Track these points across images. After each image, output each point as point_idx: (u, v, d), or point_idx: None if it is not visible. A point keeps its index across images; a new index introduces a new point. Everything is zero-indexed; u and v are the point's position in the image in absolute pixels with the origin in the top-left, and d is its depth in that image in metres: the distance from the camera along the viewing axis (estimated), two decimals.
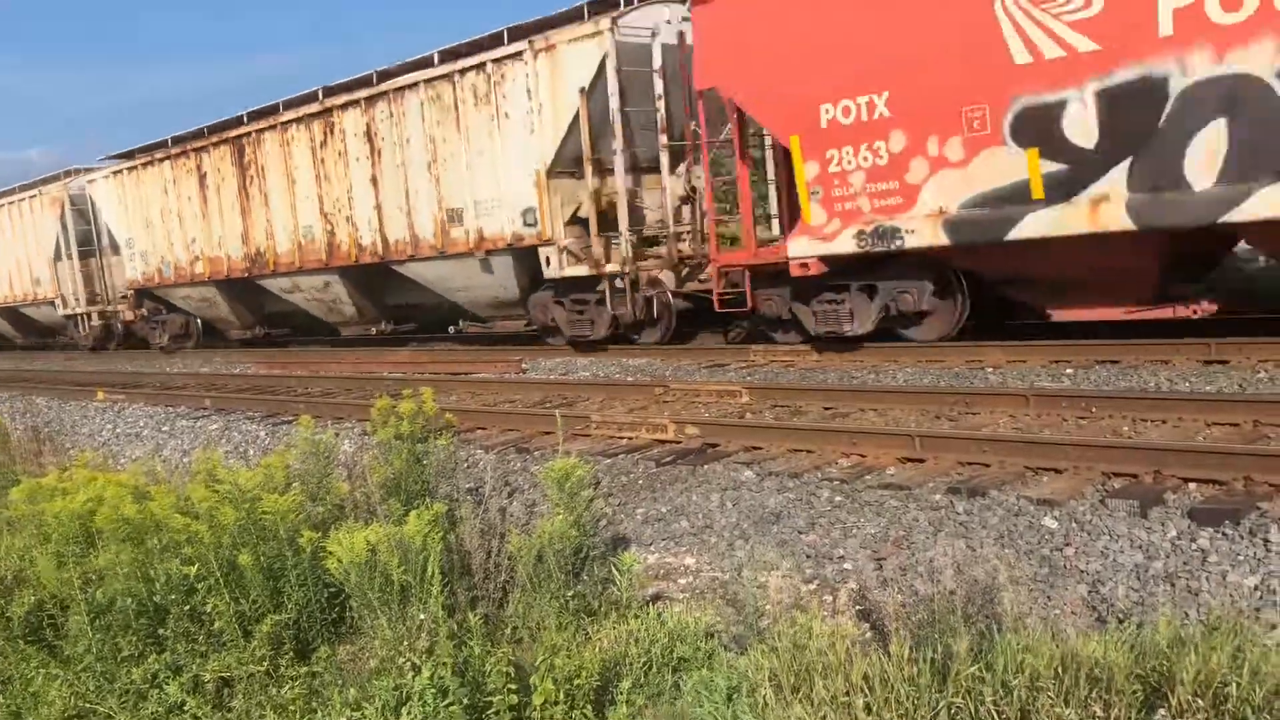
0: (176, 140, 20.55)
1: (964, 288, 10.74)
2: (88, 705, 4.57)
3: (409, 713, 3.93)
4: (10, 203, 26.59)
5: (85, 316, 25.12)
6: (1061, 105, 9.16)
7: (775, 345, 11.91)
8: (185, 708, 4.35)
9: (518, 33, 14.15)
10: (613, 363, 13.00)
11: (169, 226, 20.70)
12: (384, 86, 15.67)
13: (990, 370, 9.62)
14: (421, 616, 4.53)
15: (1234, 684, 3.31)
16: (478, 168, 14.43)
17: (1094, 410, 7.38)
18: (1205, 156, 8.50)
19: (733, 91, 11.58)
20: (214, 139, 19.09)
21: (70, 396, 15.78)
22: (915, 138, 10.09)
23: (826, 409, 8.60)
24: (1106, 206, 9.03)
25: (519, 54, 13.66)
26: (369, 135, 15.95)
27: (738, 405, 9.15)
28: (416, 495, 6.19)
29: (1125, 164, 8.92)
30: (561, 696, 4.01)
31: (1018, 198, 9.53)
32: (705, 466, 7.23)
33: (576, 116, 13.17)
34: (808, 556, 5.61)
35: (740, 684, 3.97)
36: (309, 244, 17.52)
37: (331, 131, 16.63)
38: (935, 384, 9.16)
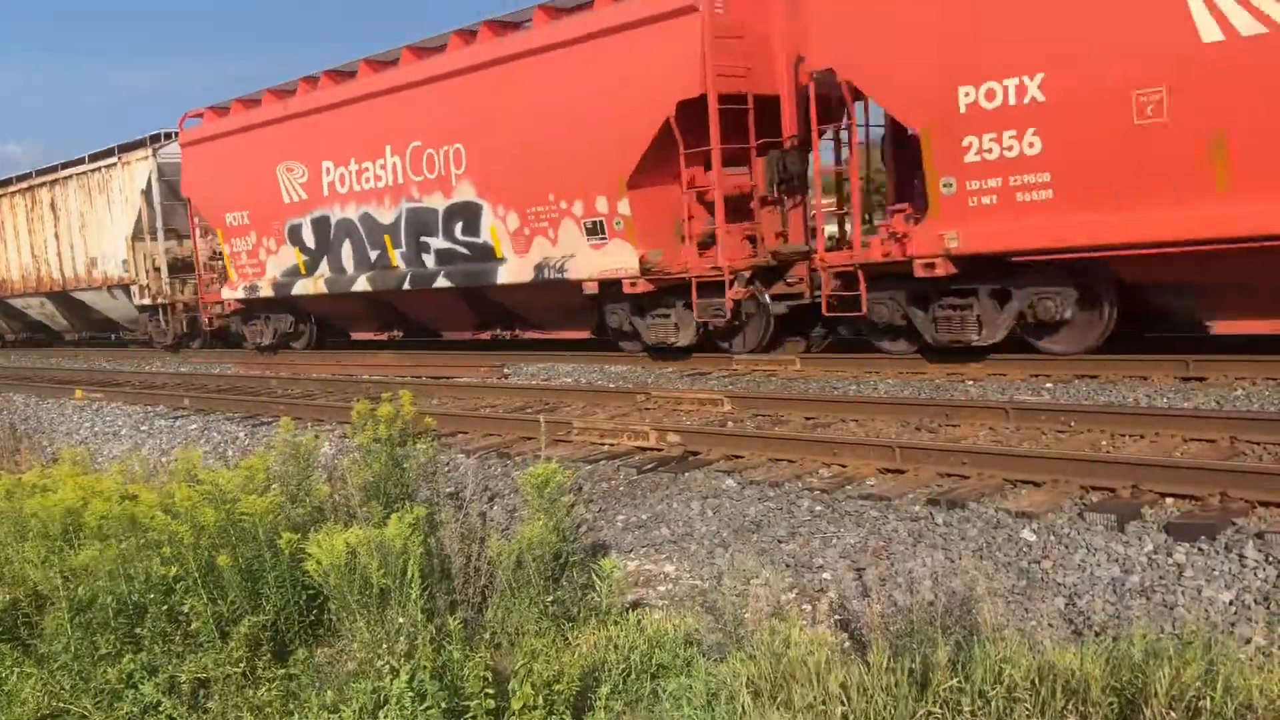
0: None
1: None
2: (62, 705, 4.53)
3: (386, 716, 3.92)
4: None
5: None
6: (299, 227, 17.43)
7: (757, 355, 11.94)
8: (160, 708, 4.32)
9: (125, 148, 21.80)
10: (595, 369, 13.00)
11: None
12: (61, 174, 23.72)
13: (970, 383, 9.68)
14: (400, 620, 4.51)
15: (1207, 698, 3.34)
16: (104, 231, 22.45)
17: (1073, 424, 7.44)
18: (348, 256, 16.58)
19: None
20: None
21: (48, 394, 15.65)
22: None
23: (808, 419, 8.63)
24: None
25: (114, 164, 22.00)
26: (53, 206, 24.22)
27: (719, 414, 9.17)
28: (397, 499, 6.17)
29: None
30: (540, 701, 4.00)
31: None
32: (686, 474, 7.24)
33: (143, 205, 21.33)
34: (788, 565, 5.62)
35: (719, 691, 3.98)
36: (30, 276, 25.51)
37: (35, 201, 24.96)
38: (916, 395, 9.21)
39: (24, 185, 25.04)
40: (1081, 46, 8.96)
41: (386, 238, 15.90)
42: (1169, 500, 5.62)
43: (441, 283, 15.07)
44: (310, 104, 16.76)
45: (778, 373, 11.24)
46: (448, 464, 8.32)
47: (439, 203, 14.90)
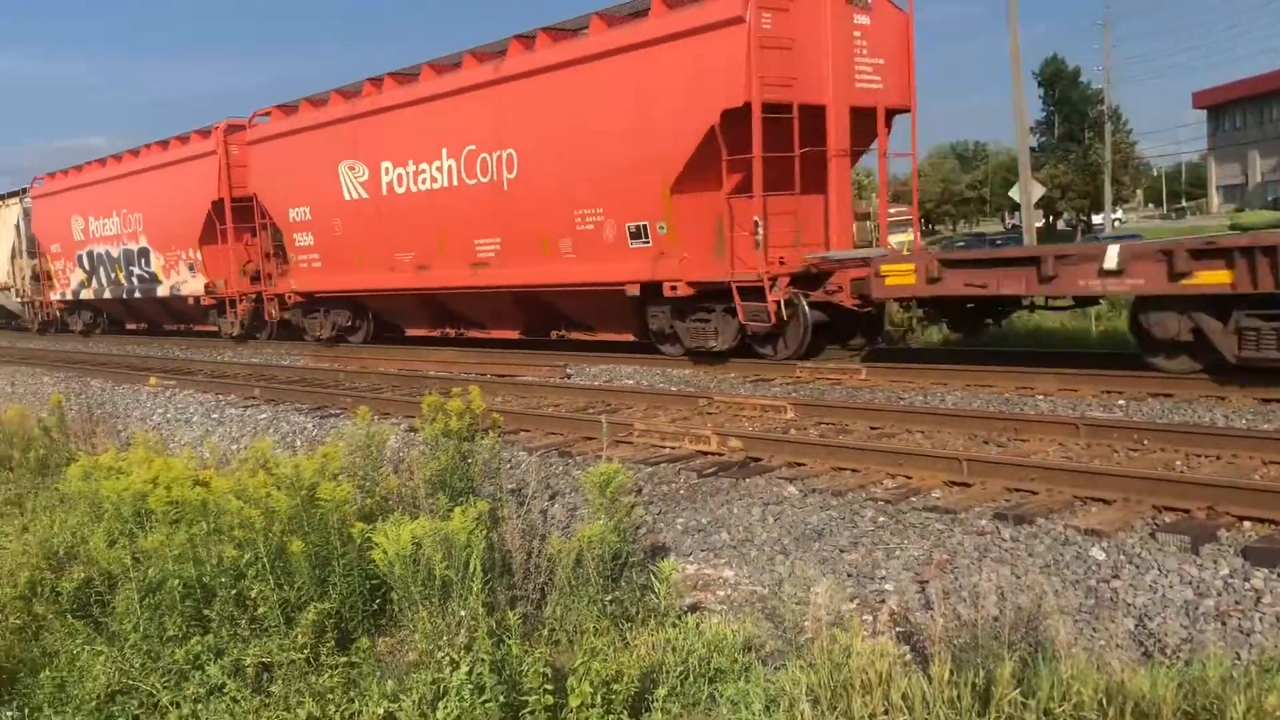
0: None
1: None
2: (130, 682, 4.62)
3: (445, 707, 3.94)
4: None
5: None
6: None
7: (822, 362, 11.84)
8: (225, 690, 4.39)
9: (6, 195, 31.34)
10: (658, 372, 13.00)
11: None
12: None
13: (1041, 397, 9.51)
14: (462, 613, 4.54)
15: None
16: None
17: (1146, 443, 7.28)
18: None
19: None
20: None
21: (124, 380, 16.05)
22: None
23: (873, 429, 8.54)
24: None
25: (4, 203, 31.21)
26: None
27: (782, 421, 9.11)
28: (461, 492, 6.22)
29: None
30: (598, 700, 4.01)
31: None
32: (747, 480, 7.21)
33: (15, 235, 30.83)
34: (849, 575, 5.57)
35: (777, 698, 3.95)
36: None
37: None
38: (984, 408, 9.07)
39: None
40: (318, 195, 18.66)
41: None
42: (1246, 524, 5.47)
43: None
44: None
45: (842, 381, 11.14)
46: (510, 460, 8.37)
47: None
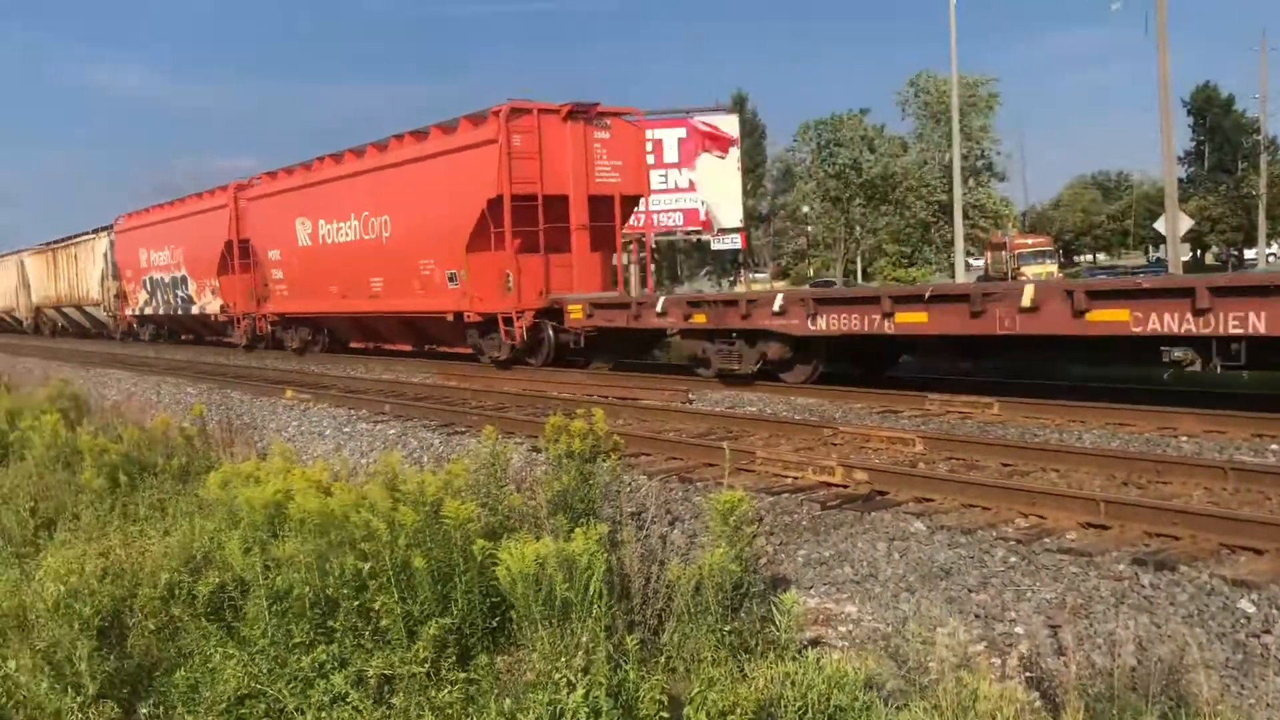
0: None
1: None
2: (258, 686, 4.75)
3: None
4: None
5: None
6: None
7: (953, 395, 11.55)
8: (348, 699, 4.47)
9: (96, 230, 37.68)
10: (781, 400, 12.87)
11: None
12: (72, 242, 40.04)
13: (1184, 439, 9.06)
14: (581, 635, 4.54)
15: None
16: (92, 278, 37.87)
17: None
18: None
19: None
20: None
21: (262, 393, 16.68)
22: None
23: (1005, 465, 8.27)
24: None
25: (97, 236, 37.39)
26: (65, 260, 40.54)
27: (910, 454, 8.90)
28: (582, 514, 6.24)
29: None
30: None
31: None
32: (873, 514, 7.05)
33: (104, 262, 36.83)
34: (977, 616, 5.38)
35: None
36: (65, 297, 41.44)
37: (56, 258, 41.54)
38: (1124, 448, 8.69)
39: (50, 247, 42.32)
40: (285, 241, 23.96)
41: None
42: None
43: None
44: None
45: (973, 416, 10.84)
46: (630, 484, 8.37)
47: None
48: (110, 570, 6.47)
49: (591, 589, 4.61)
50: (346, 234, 21.77)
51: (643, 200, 19.95)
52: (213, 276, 28.16)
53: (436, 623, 4.76)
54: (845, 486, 7.81)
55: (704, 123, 39.63)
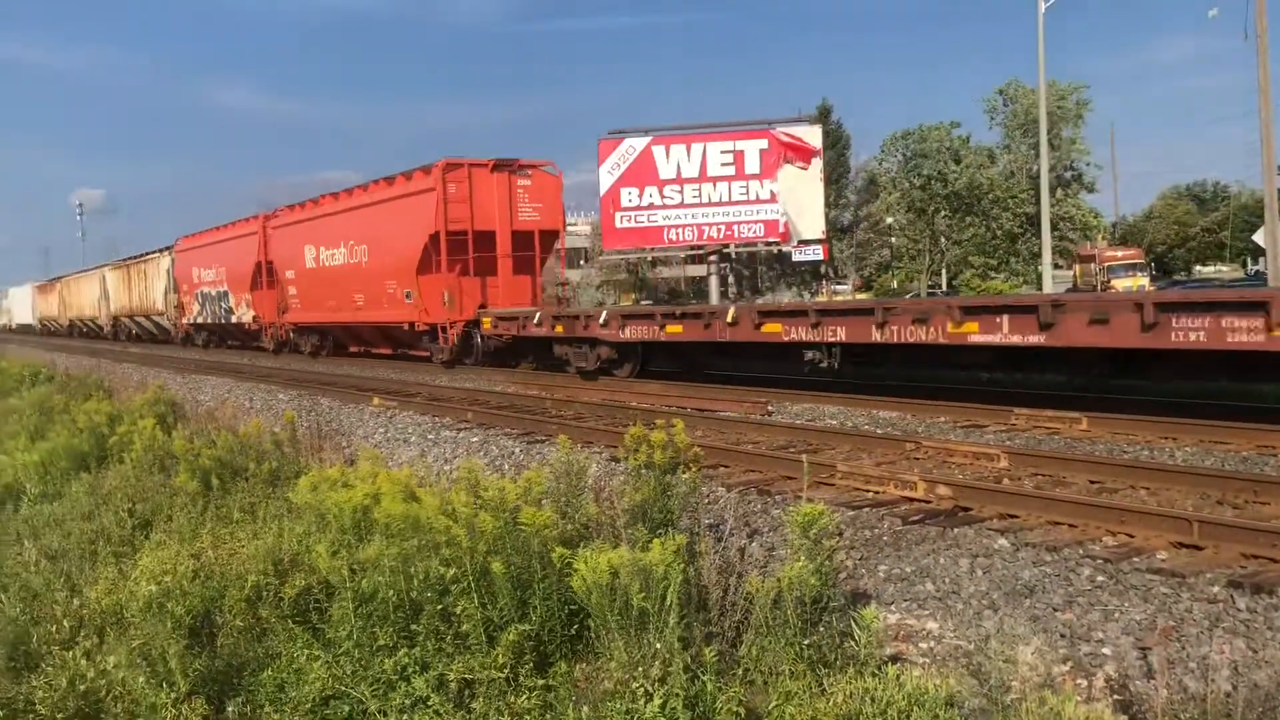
0: None
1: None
2: (342, 688, 4.85)
3: None
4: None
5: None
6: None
7: (1039, 410, 11.32)
8: (429, 703, 4.54)
9: (162, 249, 43.88)
10: (862, 413, 12.75)
11: None
12: (141, 259, 46.94)
13: None
14: (657, 645, 4.55)
15: None
16: (157, 291, 44.50)
17: None
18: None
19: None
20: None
21: (349, 400, 17.03)
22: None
23: (1093, 482, 8.08)
24: None
25: (161, 255, 43.89)
26: (143, 274, 46.71)
27: (994, 469, 8.75)
28: (660, 525, 6.25)
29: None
30: None
31: None
32: (955, 530, 6.94)
33: (166, 277, 43.53)
34: (1062, 636, 5.26)
35: None
36: (136, 307, 47.95)
37: (131, 273, 47.79)
38: (1219, 467, 8.43)
39: (125, 263, 49.39)
40: (297, 263, 29.70)
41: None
42: None
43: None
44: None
45: (1061, 431, 10.61)
46: (708, 496, 8.36)
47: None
48: (201, 571, 6.67)
49: (668, 599, 4.61)
50: (338, 259, 27.20)
51: (560, 236, 25.06)
52: (246, 291, 33.57)
53: (515, 629, 4.81)
54: (927, 502, 7.71)
55: (786, 134, 39.44)
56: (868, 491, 8.14)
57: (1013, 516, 7.19)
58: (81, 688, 4.60)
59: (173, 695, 4.63)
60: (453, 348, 22.44)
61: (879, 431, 11.14)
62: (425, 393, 17.62)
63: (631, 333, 17.00)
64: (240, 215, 37.68)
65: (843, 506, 7.66)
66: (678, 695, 4.07)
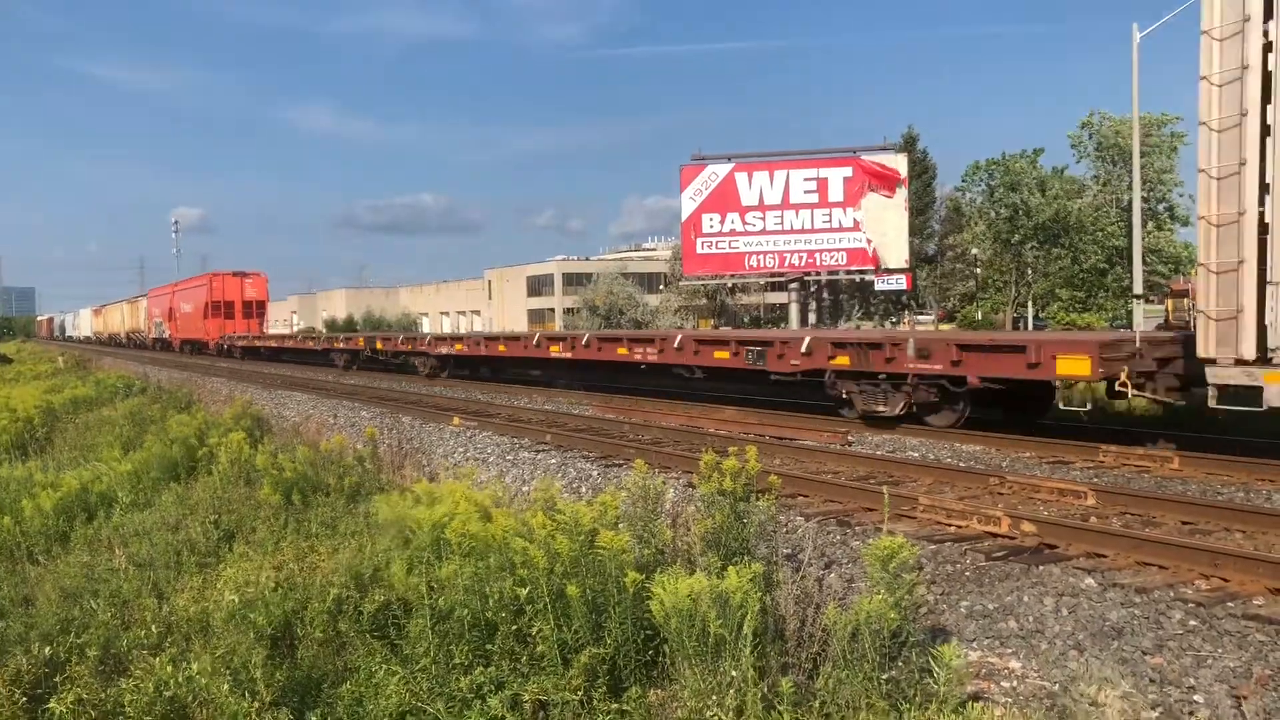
0: None
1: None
2: (419, 704, 4.88)
3: None
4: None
5: None
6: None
7: (1128, 447, 11.02)
8: None
9: (139, 295, 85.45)
10: (945, 446, 12.54)
11: None
12: (134, 299, 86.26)
13: None
14: (733, 673, 4.51)
15: None
16: (139, 320, 79.23)
17: None
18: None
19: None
20: None
21: (431, 419, 17.26)
22: None
23: (1184, 523, 7.83)
24: None
25: (140, 299, 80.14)
26: (131, 309, 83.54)
27: (1081, 507, 8.52)
28: (735, 552, 6.20)
29: None
30: None
31: None
32: (1040, 567, 6.78)
33: (143, 311, 79.28)
34: (1151, 680, 5.09)
35: None
36: (155, 330, 72.21)
37: (133, 307, 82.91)
38: None
39: (131, 300, 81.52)
40: (177, 310, 64.08)
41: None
42: None
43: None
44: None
45: (1151, 470, 10.31)
46: (786, 525, 8.29)
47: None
48: (283, 584, 6.78)
49: (745, 628, 4.57)
50: (186, 309, 57.86)
51: (266, 303, 56.31)
52: (168, 321, 61.90)
53: (590, 651, 4.81)
54: (1011, 538, 7.54)
55: (871, 161, 39.17)
56: (950, 526, 7.99)
57: (1100, 556, 7.00)
58: (168, 694, 4.70)
59: (255, 704, 4.71)
60: (218, 345, 51.41)
61: (962, 465, 10.94)
62: (505, 413, 17.79)
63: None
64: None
65: (924, 540, 7.53)
66: None
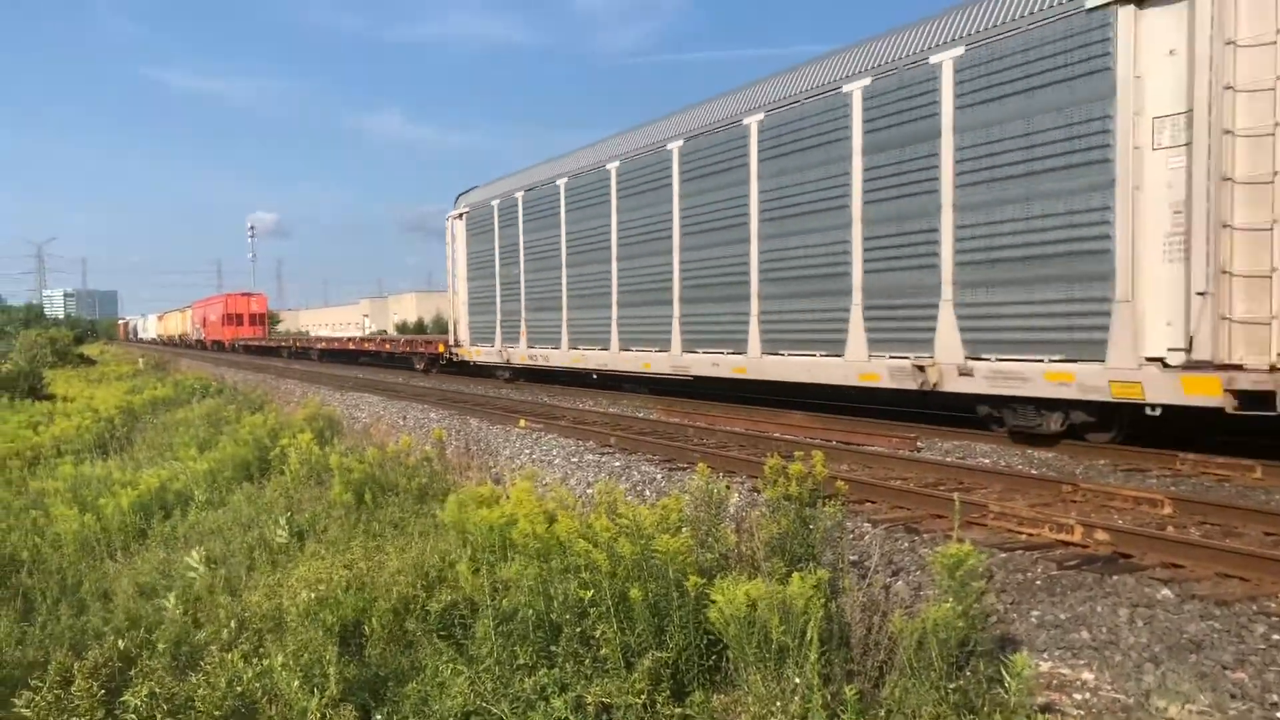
0: None
1: None
2: (484, 705, 4.91)
3: None
4: None
5: None
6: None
7: (1209, 455, 10.72)
8: None
9: (187, 306, 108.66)
10: (1016, 452, 12.31)
11: None
12: (184, 308, 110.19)
13: None
14: (796, 680, 4.46)
15: None
16: (188, 325, 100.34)
17: None
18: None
19: None
20: None
21: (497, 421, 17.40)
22: None
23: (1268, 534, 7.59)
24: None
25: (189, 308, 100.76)
26: (181, 316, 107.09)
27: (1157, 516, 8.31)
28: (800, 558, 6.15)
29: None
30: None
31: None
32: (1114, 577, 6.62)
33: (190, 318, 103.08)
34: (1232, 696, 4.94)
35: None
36: (199, 333, 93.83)
37: (183, 314, 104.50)
38: None
39: (180, 309, 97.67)
40: (213, 318, 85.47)
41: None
42: None
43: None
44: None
45: (1232, 479, 10.01)
46: (852, 531, 8.20)
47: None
48: (353, 582, 6.87)
49: (808, 635, 4.53)
50: (212, 317, 77.52)
51: (265, 313, 77.39)
52: (203, 327, 79.65)
53: (653, 655, 4.80)
54: (1085, 546, 7.38)
55: None
56: (1021, 533, 7.85)
57: (1177, 566, 6.82)
58: (239, 689, 4.79)
59: (323, 700, 4.77)
60: (231, 344, 69.57)
61: (1034, 472, 10.73)
62: (570, 416, 17.87)
63: None
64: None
65: (994, 548, 7.40)
66: None
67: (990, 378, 12.12)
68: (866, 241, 13.89)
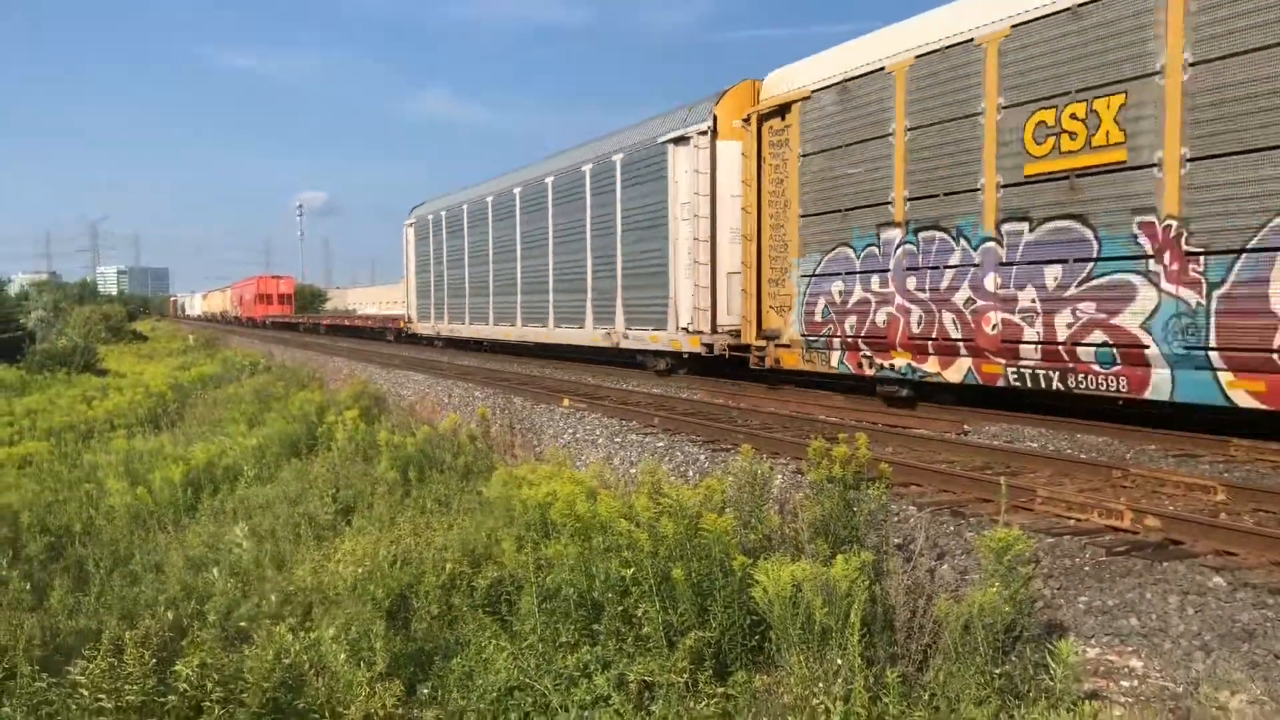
0: None
1: None
2: (526, 680, 4.96)
3: None
4: None
5: None
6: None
7: (1264, 441, 10.52)
8: (610, 702, 4.59)
9: (226, 286, 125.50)
10: (1065, 436, 12.16)
11: None
12: (222, 288, 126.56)
13: None
14: (839, 662, 4.45)
15: None
16: (229, 303, 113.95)
17: None
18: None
19: None
20: None
21: (541, 400, 17.47)
22: None
23: None
24: None
25: (228, 288, 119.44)
26: (222, 295, 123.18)
27: (1209, 502, 8.17)
28: (844, 540, 6.13)
29: None
30: None
31: None
32: (1165, 564, 6.51)
33: (228, 297, 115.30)
34: None
35: None
36: (225, 311, 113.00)
37: (224, 293, 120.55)
38: None
39: (221, 289, 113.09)
40: (247, 298, 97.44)
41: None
42: None
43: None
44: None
45: None
46: (897, 514, 8.14)
47: None
48: (400, 557, 6.95)
49: (851, 617, 4.51)
50: (247, 297, 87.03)
51: (292, 293, 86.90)
52: (238, 305, 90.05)
53: (695, 635, 4.80)
54: (1134, 532, 7.27)
55: None
56: (1069, 518, 7.74)
57: (1230, 554, 6.69)
58: (286, 661, 4.86)
59: (370, 674, 4.84)
60: (262, 320, 79.09)
61: (1083, 456, 10.59)
62: (614, 396, 17.91)
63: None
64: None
65: (1041, 533, 7.30)
66: (859, 715, 3.97)
67: (635, 340, 21.06)
68: (594, 260, 22.95)
